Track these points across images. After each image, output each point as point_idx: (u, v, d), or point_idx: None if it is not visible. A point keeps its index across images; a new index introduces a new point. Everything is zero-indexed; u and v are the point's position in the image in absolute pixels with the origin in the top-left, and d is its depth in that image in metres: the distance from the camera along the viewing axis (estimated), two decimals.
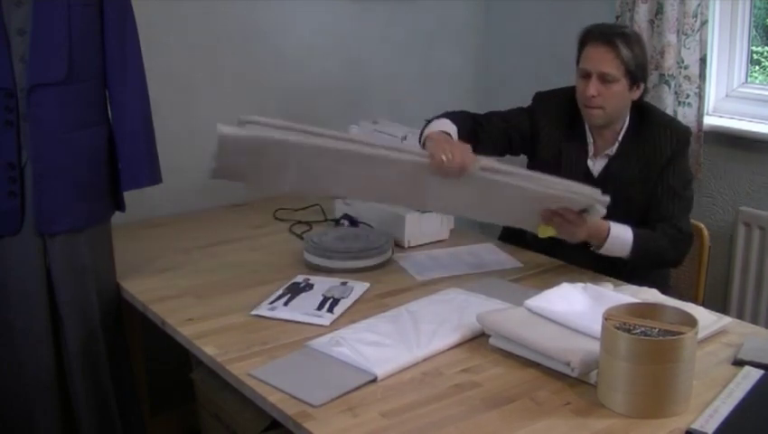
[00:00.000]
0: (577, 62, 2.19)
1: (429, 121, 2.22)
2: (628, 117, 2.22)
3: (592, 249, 2.12)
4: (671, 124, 2.25)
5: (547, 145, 2.29)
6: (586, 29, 2.19)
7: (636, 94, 2.18)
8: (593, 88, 2.11)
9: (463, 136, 2.14)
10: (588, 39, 2.16)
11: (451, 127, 2.16)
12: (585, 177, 2.21)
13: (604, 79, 2.11)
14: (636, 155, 2.20)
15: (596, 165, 2.25)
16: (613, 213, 2.16)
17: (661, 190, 2.19)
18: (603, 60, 2.10)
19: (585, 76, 2.14)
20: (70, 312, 2.07)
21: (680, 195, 2.19)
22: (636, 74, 2.14)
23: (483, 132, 2.26)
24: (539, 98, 2.36)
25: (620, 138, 2.21)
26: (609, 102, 2.13)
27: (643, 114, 2.23)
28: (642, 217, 2.20)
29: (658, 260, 2.17)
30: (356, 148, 1.90)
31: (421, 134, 2.17)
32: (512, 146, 2.33)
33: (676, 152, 2.18)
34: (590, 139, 2.25)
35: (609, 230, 2.08)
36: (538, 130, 2.31)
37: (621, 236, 2.10)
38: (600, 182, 2.18)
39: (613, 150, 2.22)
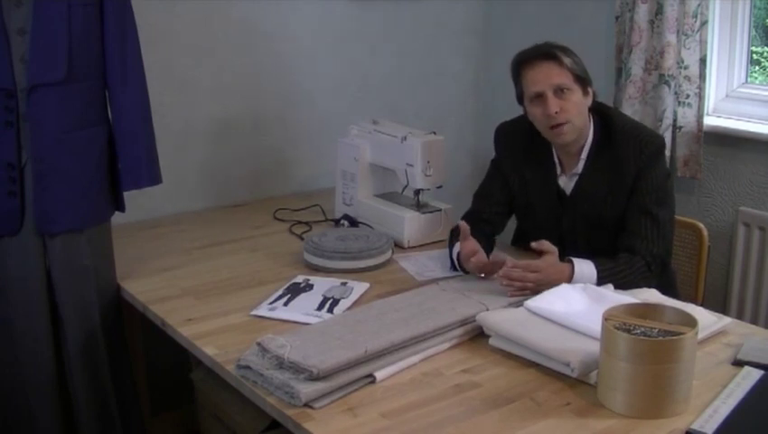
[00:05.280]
0: (521, 95, 2.11)
1: (452, 235, 2.22)
2: (591, 131, 2.12)
3: None
4: (638, 135, 2.09)
5: (508, 170, 2.25)
6: (516, 58, 2.10)
7: (590, 100, 2.09)
8: (553, 104, 2.01)
9: (485, 245, 2.14)
10: (525, 63, 2.07)
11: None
12: (559, 197, 2.16)
13: (560, 91, 2.02)
14: (604, 173, 2.09)
15: (567, 184, 2.16)
16: (588, 232, 2.12)
17: (632, 208, 2.07)
18: (550, 74, 2.02)
19: (538, 97, 2.03)
20: (70, 312, 2.07)
21: (653, 215, 2.04)
22: (584, 79, 2.06)
23: (492, 219, 2.27)
24: (499, 131, 2.30)
25: (584, 156, 2.11)
26: (572, 114, 2.03)
27: (608, 124, 2.11)
28: (616, 237, 2.09)
29: (628, 287, 2.01)
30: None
31: (450, 251, 2.18)
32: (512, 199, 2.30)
33: (643, 167, 2.05)
34: (556, 160, 2.16)
35: (572, 272, 1.99)
36: (502, 165, 2.27)
37: (585, 276, 1.98)
38: (572, 200, 2.14)
39: (579, 168, 2.12)
